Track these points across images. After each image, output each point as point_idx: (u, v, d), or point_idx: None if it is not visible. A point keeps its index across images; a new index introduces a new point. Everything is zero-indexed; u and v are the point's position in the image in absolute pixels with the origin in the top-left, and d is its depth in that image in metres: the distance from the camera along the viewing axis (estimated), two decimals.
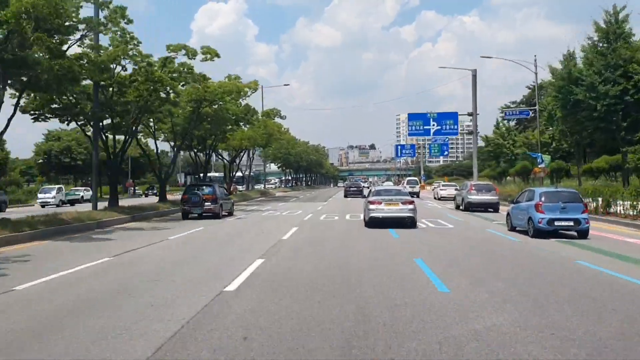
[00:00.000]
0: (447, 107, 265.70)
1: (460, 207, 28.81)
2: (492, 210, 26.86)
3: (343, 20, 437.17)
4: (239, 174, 55.66)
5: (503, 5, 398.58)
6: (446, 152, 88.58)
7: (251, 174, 57.94)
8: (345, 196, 48.46)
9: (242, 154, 46.52)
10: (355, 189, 50.91)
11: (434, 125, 46.84)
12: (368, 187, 45.98)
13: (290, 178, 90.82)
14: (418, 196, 46.11)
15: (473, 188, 28.17)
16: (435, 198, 45.26)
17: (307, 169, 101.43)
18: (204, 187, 23.83)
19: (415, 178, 68.60)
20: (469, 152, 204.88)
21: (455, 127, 46.81)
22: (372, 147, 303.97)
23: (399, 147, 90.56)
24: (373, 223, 18.28)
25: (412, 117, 47.73)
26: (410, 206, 18.52)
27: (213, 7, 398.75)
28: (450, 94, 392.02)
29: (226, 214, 24.22)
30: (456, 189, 39.94)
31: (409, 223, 18.36)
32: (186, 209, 22.53)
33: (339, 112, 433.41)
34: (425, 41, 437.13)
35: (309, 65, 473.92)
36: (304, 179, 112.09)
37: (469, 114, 46.60)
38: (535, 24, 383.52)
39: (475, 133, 46.94)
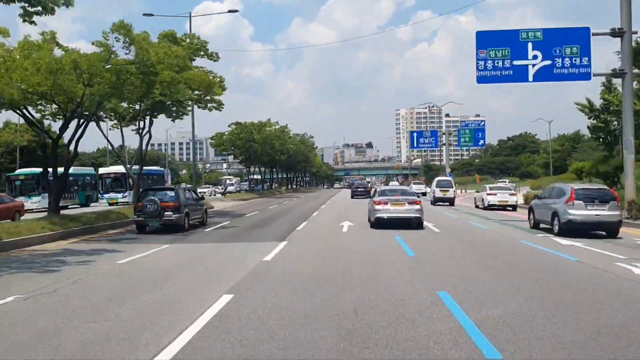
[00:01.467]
0: (447, 108, 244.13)
1: (552, 227, 16.53)
2: (605, 233, 15.68)
3: (338, 20, 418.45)
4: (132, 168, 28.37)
5: (498, 4, 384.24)
6: (481, 141, 62.69)
7: (161, 169, 31.69)
8: (352, 197, 46.74)
9: (80, 120, 19.36)
10: (362, 189, 49.24)
11: (535, 56, 20.77)
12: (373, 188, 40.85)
13: (259, 178, 64.22)
14: (452, 203, 36.03)
15: (576, 196, 15.83)
16: (478, 206, 32.99)
17: (290, 166, 75.24)
18: (164, 191, 18.99)
19: (449, 178, 43.95)
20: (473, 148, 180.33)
21: (587, 62, 20.70)
22: (369, 145, 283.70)
23: (416, 134, 64.83)
24: (378, 224, 17.76)
25: (484, 40, 21.41)
26: (417, 206, 18.09)
27: (208, 7, 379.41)
28: (449, 95, 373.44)
29: (197, 223, 19.62)
30: (511, 193, 31.64)
31: (415, 224, 17.84)
32: (141, 220, 17.64)
33: (334, 111, 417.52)
34: (421, 41, 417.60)
35: (304, 64, 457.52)
36: (286, 178, 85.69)
37: (615, 33, 20.62)
38: (530, 24, 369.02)
39: (629, 72, 20.70)
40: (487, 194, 31.87)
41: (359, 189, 49.26)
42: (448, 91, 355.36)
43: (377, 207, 18.06)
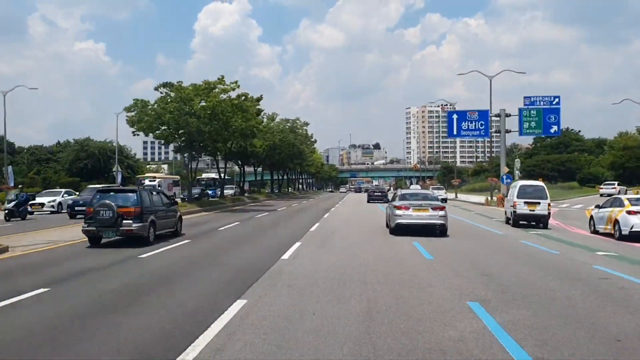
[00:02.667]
0: (461, 107, 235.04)
1: None
2: None
3: (347, 22, 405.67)
4: None
5: (507, 7, 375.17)
6: (554, 127, 42.36)
7: None
8: (369, 201, 44.90)
9: None
10: (379, 193, 47.81)
11: None
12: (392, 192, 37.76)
13: (216, 177, 43.31)
14: (546, 225, 21.54)
15: None
16: (597, 231, 19.35)
17: (276, 162, 54.63)
18: (123, 194, 15.39)
19: (540, 184, 24.28)
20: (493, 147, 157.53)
21: None
22: (377, 146, 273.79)
23: (456, 117, 44.25)
24: (399, 230, 16.58)
25: None
26: (441, 212, 16.78)
27: (217, 8, 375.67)
28: (457, 96, 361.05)
29: (169, 233, 16.35)
30: None
31: (439, 231, 16.66)
32: (93, 230, 14.11)
33: (341, 113, 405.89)
34: (430, 44, 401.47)
35: (312, 67, 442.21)
36: (271, 180, 65.16)
37: None
38: (539, 27, 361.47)
39: None
40: (629, 213, 17.34)
41: (375, 193, 47.97)
42: (456, 93, 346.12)
43: (398, 212, 16.74)
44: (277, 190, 62.63)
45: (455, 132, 43.33)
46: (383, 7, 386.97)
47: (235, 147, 39.14)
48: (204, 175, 51.86)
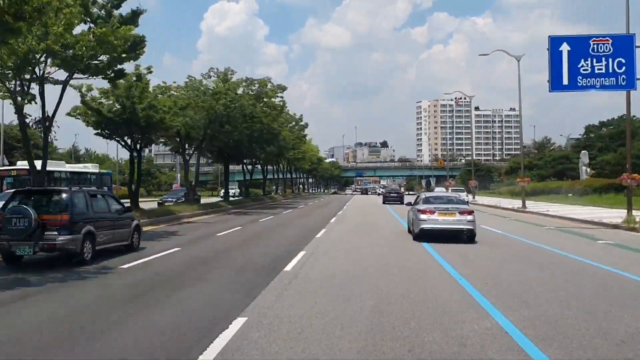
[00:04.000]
0: (476, 101, 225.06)
1: None
2: None
3: (353, 21, 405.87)
4: None
5: (516, 5, 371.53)
6: None
7: None
8: (384, 202, 45.66)
9: None
10: (395, 195, 48.65)
11: None
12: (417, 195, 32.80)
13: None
14: None
15: None
16: None
17: (225, 146, 32.72)
18: (46, 195, 12.10)
19: None
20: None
21: None
22: (384, 144, 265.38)
23: (567, 47, 21.42)
24: (424, 236, 15.55)
25: None
26: (469, 217, 15.73)
27: (223, 7, 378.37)
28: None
29: (121, 247, 12.75)
30: None
31: (466, 237, 15.58)
32: (3, 244, 10.85)
33: (348, 112, 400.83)
34: (436, 43, 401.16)
35: (318, 66, 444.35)
36: (221, 181, 43.56)
37: None
38: (547, 25, 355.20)
39: None
40: None
41: (391, 194, 48.71)
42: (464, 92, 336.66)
43: (422, 216, 15.82)
44: (237, 195, 40.95)
45: (566, 81, 21.70)
46: (390, 5, 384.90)
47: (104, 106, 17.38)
48: (19, 164, 28.06)
